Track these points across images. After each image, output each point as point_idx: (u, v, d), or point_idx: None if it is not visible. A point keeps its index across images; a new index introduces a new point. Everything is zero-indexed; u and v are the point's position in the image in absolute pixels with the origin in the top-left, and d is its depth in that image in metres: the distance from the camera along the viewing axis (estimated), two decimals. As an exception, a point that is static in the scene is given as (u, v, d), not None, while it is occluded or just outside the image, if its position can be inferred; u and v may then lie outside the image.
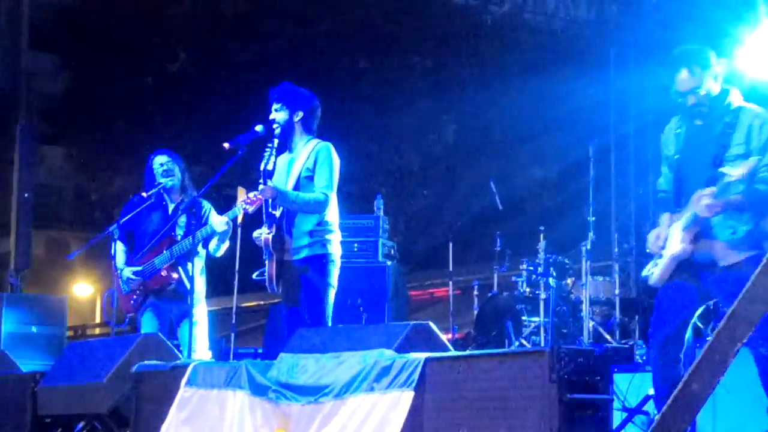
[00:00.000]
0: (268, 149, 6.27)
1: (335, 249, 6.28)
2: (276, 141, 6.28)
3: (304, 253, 6.20)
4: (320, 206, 6.21)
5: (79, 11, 19.63)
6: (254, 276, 6.32)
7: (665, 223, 5.13)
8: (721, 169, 4.79)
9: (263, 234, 6.23)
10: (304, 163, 6.27)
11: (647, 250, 5.23)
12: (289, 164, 6.36)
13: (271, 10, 17.82)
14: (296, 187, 6.25)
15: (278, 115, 6.33)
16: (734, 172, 4.72)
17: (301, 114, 6.34)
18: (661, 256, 5.06)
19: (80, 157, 21.74)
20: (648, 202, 13.17)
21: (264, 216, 6.26)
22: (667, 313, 5.01)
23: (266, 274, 6.24)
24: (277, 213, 6.25)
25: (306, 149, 6.32)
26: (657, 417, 3.00)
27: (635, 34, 13.29)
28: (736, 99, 5.08)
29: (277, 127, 6.31)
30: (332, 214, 6.30)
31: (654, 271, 5.09)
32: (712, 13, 12.01)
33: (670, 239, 5.02)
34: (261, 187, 6.16)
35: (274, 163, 6.30)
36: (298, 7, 17.83)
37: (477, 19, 13.52)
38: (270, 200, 6.20)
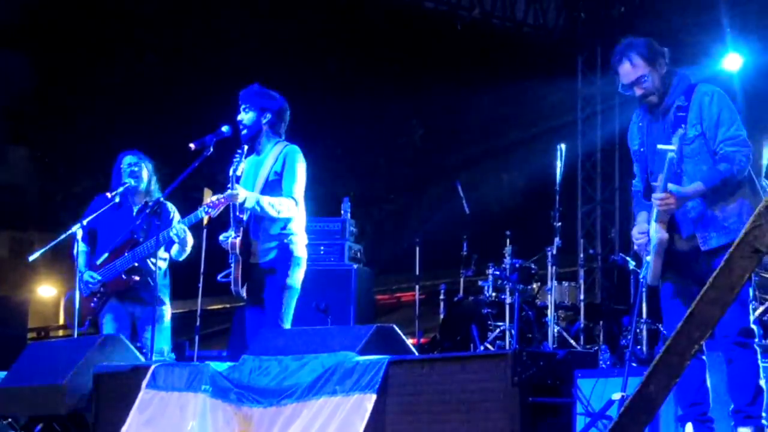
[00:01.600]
0: (238, 155, 6.23)
1: (301, 252, 6.25)
2: (246, 147, 6.25)
3: (270, 256, 6.17)
4: (289, 210, 6.18)
5: (46, 9, 19.49)
6: (219, 278, 6.27)
7: (643, 219, 5.00)
8: (659, 146, 4.70)
9: (230, 238, 6.19)
10: (272, 166, 6.23)
11: (635, 248, 5.11)
12: (256, 167, 6.32)
13: (241, 11, 17.78)
14: (263, 190, 6.21)
15: (246, 116, 6.29)
16: (670, 147, 4.66)
17: (269, 116, 6.30)
18: (648, 253, 4.92)
19: (45, 157, 21.57)
20: (614, 208, 13.30)
21: (231, 219, 6.21)
22: (674, 318, 4.86)
23: (232, 277, 6.20)
24: (245, 216, 6.20)
25: (274, 152, 6.28)
26: (615, 417, 3.01)
27: (603, 41, 13.38)
28: (685, 81, 4.95)
29: (243, 129, 6.28)
30: (299, 217, 6.28)
31: (648, 272, 4.93)
32: (678, 23, 12.15)
33: (651, 234, 4.89)
34: (229, 191, 6.12)
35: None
36: (268, 10, 17.80)
37: (446, 24, 13.51)
38: (238, 204, 6.16)
